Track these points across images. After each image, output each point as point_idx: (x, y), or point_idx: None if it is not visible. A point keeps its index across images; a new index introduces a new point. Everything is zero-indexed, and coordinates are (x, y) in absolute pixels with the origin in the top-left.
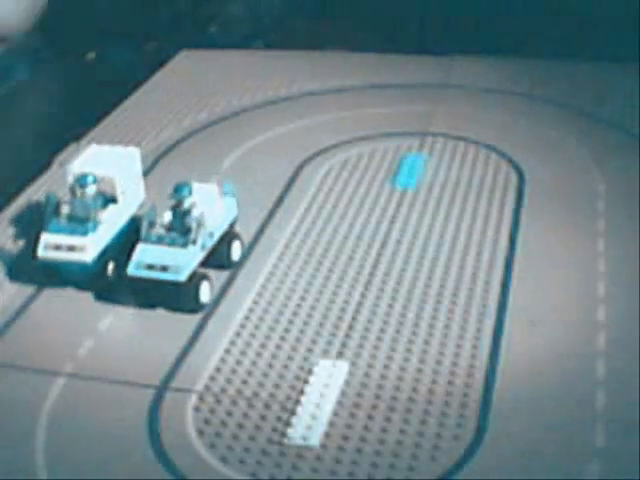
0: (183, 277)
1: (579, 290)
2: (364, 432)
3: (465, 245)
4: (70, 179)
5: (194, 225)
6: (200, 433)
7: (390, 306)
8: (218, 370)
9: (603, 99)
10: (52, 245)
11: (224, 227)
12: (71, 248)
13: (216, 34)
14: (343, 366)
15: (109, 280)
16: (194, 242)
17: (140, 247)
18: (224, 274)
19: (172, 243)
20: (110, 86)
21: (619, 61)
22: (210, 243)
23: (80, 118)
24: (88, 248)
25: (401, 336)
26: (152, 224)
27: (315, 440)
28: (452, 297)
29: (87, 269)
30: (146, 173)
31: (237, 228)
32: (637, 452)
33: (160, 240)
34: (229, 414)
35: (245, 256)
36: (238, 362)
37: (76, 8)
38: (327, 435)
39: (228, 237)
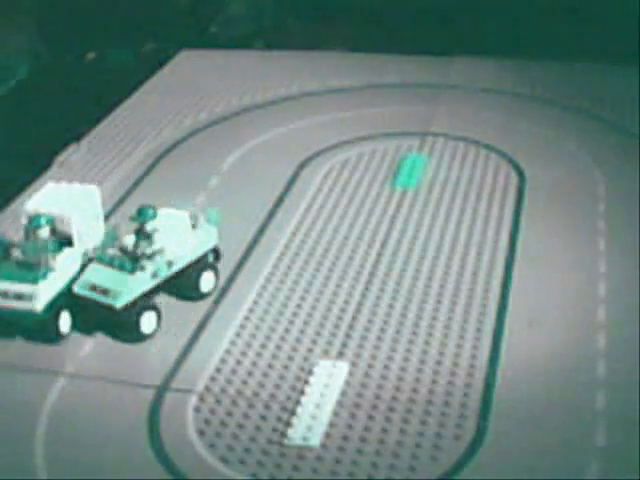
0: (119, 304)
1: (579, 290)
2: (364, 432)
3: (465, 245)
4: (24, 220)
5: (146, 251)
6: (200, 433)
7: (390, 306)
8: (218, 370)
9: (603, 99)
10: None
11: (193, 256)
12: (19, 296)
13: (216, 34)
14: (343, 366)
15: (61, 332)
16: (142, 269)
17: (91, 266)
18: (224, 274)
19: (121, 267)
20: (110, 86)
21: (619, 62)
22: (166, 272)
23: (80, 118)
24: (38, 296)
25: (401, 336)
26: (109, 244)
27: (315, 440)
28: (452, 297)
29: (37, 318)
30: (146, 173)
31: (216, 256)
32: (637, 451)
33: (111, 262)
34: (229, 414)
35: (245, 256)
36: (238, 362)
37: (76, 8)
38: (327, 435)
39: (199, 267)
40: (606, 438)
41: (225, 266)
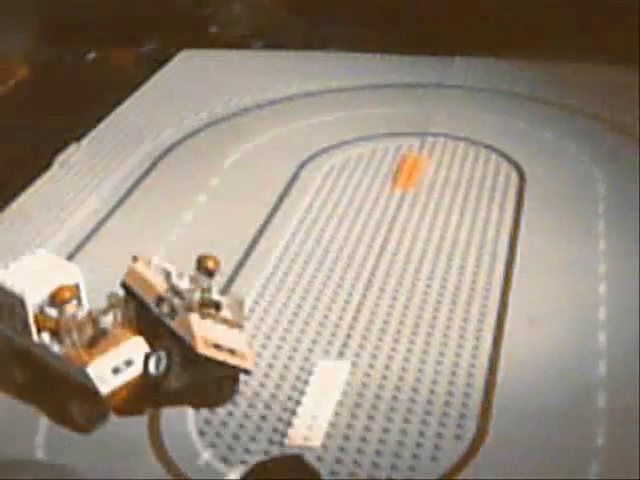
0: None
1: (580, 290)
2: (365, 432)
3: (466, 245)
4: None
5: None
6: (201, 433)
7: (391, 306)
8: None
9: (603, 99)
10: None
11: None
12: None
13: (216, 34)
14: (344, 366)
15: None
16: None
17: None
18: (225, 274)
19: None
20: (110, 86)
21: (619, 62)
22: None
23: (80, 118)
24: None
25: (402, 336)
26: None
27: (316, 440)
28: (453, 297)
29: None
30: (146, 173)
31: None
32: (637, 451)
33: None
34: (230, 414)
35: (245, 256)
36: None
37: (76, 8)
38: (328, 435)
39: None
40: (606, 438)
41: (226, 266)
